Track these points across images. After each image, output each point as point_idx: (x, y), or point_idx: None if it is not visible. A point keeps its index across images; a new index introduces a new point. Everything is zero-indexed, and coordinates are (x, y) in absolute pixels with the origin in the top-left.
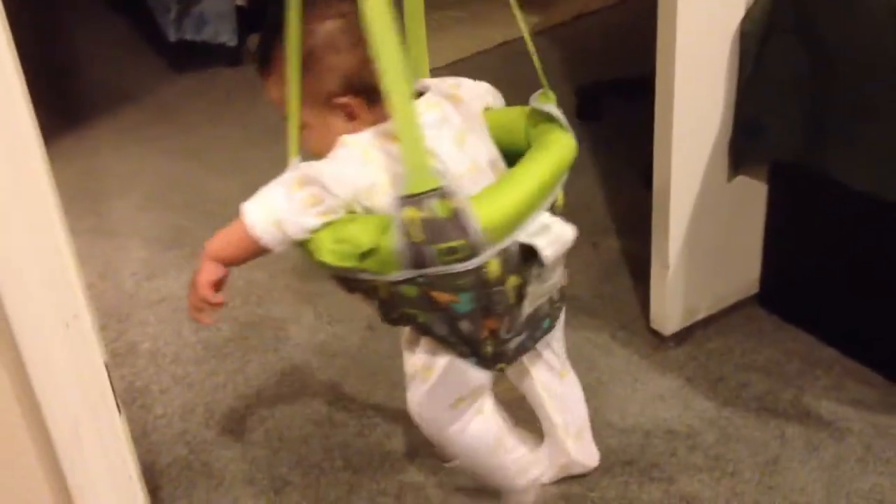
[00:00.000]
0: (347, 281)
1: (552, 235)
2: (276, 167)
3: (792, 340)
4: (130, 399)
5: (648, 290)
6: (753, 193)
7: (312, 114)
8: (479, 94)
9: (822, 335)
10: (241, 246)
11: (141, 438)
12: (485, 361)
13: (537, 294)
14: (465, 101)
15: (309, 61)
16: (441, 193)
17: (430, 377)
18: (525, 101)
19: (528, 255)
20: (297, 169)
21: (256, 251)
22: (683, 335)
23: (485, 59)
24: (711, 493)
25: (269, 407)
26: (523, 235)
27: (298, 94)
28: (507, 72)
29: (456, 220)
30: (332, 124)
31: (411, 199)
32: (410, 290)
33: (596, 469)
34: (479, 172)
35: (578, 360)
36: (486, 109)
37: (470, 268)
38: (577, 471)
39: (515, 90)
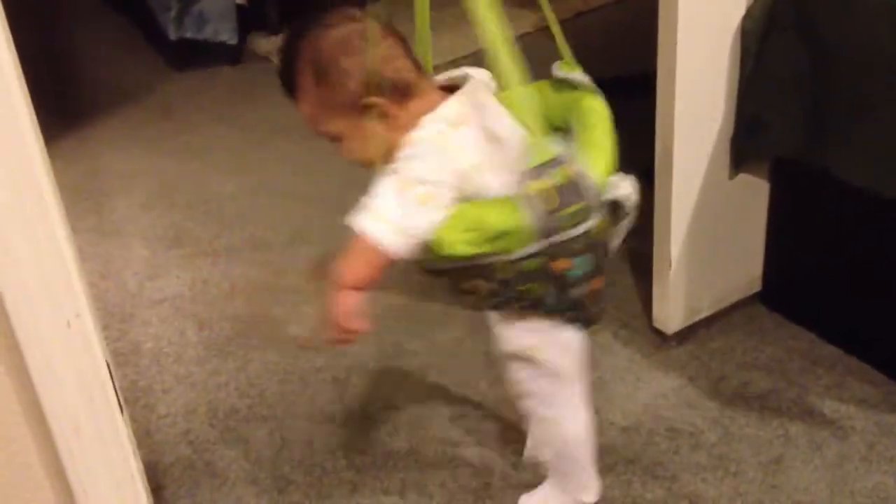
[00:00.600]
0: (465, 271)
1: (627, 186)
2: (277, 166)
3: (794, 339)
4: (133, 399)
5: (650, 289)
6: (755, 191)
7: (343, 123)
8: (487, 80)
9: (824, 333)
10: (373, 265)
11: (144, 438)
12: (586, 324)
13: (614, 249)
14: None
15: (320, 74)
16: (559, 161)
17: (539, 352)
18: None
19: (612, 209)
20: (390, 175)
21: (386, 265)
22: (685, 334)
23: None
24: (715, 492)
25: (271, 406)
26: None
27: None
28: None
29: (575, 185)
30: (367, 128)
31: (536, 171)
32: (532, 264)
33: (599, 468)
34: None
35: None
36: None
37: (585, 229)
38: None
39: None
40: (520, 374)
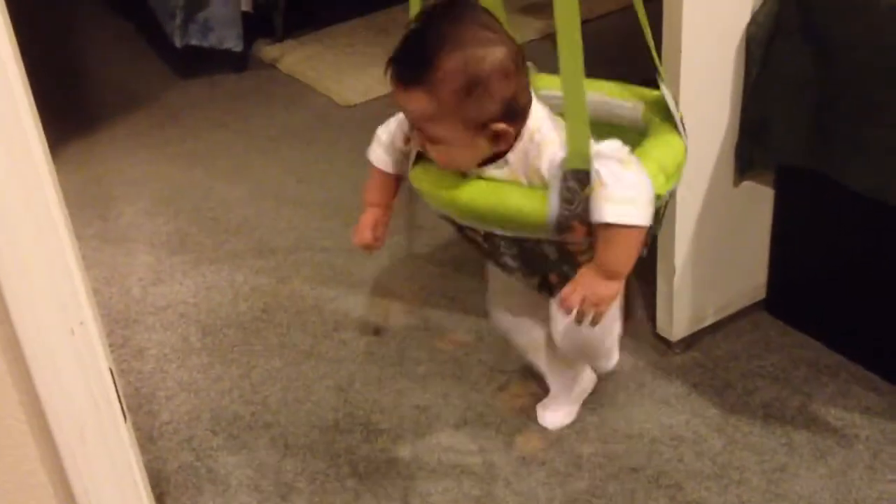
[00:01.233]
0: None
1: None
2: (282, 173)
3: (799, 347)
4: (136, 405)
5: (654, 296)
6: (760, 198)
7: (458, 133)
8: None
9: (829, 341)
10: (639, 246)
11: (147, 444)
12: None
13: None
14: None
15: (475, 87)
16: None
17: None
18: None
19: None
20: (625, 160)
21: None
22: (690, 341)
23: None
24: (719, 500)
25: (274, 413)
26: None
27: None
28: None
29: None
30: (478, 145)
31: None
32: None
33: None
34: None
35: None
36: None
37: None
38: None
39: None
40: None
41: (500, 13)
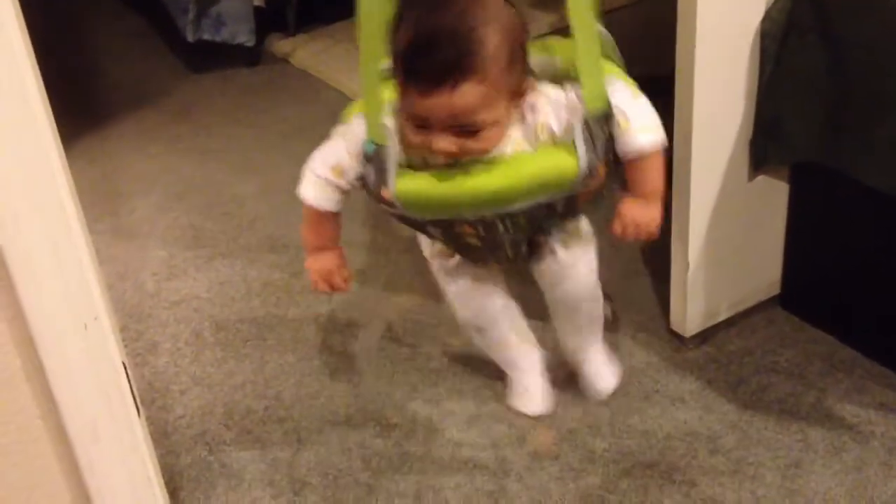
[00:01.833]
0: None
1: None
2: (294, 167)
3: (814, 342)
4: (150, 400)
5: (668, 291)
6: (774, 193)
7: (504, 111)
8: None
9: (844, 337)
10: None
11: (161, 439)
12: None
13: None
14: None
15: (515, 54)
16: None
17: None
18: None
19: None
20: (633, 89)
21: None
22: (704, 337)
23: None
24: (733, 496)
25: (287, 408)
26: None
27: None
28: None
29: None
30: (511, 115)
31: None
32: None
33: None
34: None
35: None
36: None
37: None
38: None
39: None
40: (593, 267)
41: None
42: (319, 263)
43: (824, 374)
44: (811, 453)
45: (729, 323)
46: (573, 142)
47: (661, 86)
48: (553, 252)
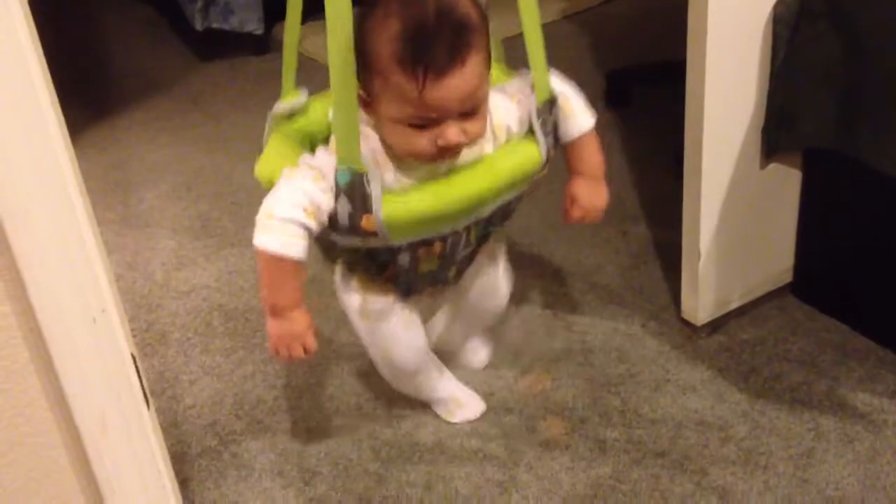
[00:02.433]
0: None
1: None
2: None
3: (826, 331)
4: (160, 390)
5: (679, 280)
6: (787, 180)
7: (487, 88)
8: None
9: (857, 325)
10: None
11: (171, 429)
12: None
13: None
14: None
15: (485, 34)
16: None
17: None
18: None
19: None
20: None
21: None
22: (715, 325)
23: None
24: (745, 485)
25: (297, 398)
26: None
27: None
28: None
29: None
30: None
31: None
32: None
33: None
34: None
35: (608, 350)
36: None
37: None
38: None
39: None
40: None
41: None
42: (289, 326)
43: (837, 363)
44: (823, 442)
45: (740, 311)
46: (528, 133)
47: (672, 73)
48: (483, 263)
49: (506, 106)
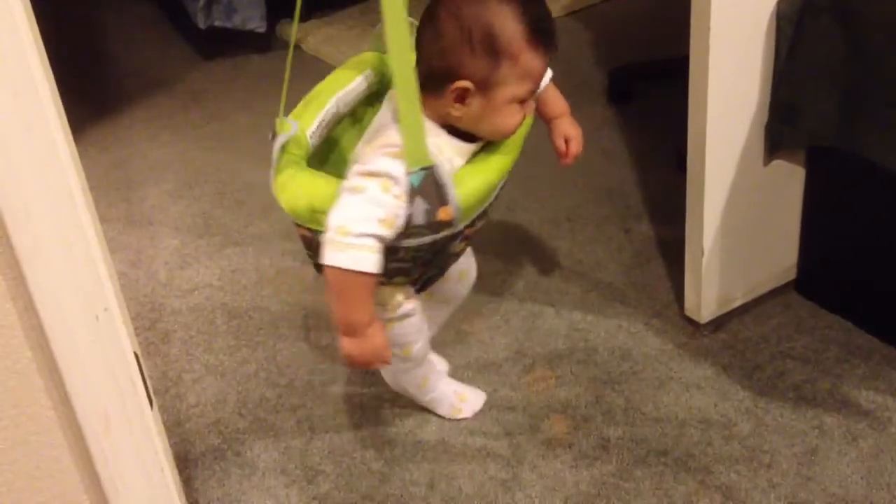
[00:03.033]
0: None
1: None
2: None
3: (830, 328)
4: (163, 388)
5: (682, 277)
6: (790, 177)
7: None
8: None
9: (861, 322)
10: None
11: (174, 427)
12: None
13: None
14: None
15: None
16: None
17: None
18: None
19: None
20: None
21: None
22: (718, 323)
23: None
24: (748, 483)
25: (300, 396)
26: None
27: None
28: None
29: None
30: None
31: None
32: None
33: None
34: None
35: (611, 347)
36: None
37: None
38: None
39: None
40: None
41: None
42: (369, 344)
43: (840, 361)
44: (827, 440)
45: (744, 309)
46: None
47: (675, 70)
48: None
49: None
